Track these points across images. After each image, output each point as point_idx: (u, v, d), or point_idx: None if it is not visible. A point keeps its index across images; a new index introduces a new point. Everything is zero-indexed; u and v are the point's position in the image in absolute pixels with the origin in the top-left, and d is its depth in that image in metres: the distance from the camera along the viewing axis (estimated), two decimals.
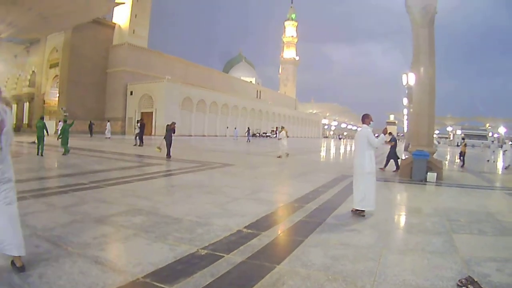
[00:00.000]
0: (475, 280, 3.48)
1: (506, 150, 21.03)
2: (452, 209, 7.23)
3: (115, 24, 50.24)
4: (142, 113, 44.85)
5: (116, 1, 47.46)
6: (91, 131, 35.23)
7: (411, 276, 3.63)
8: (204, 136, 48.30)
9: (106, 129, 33.78)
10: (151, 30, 54.98)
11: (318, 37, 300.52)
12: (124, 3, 47.65)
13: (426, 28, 12.49)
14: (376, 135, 6.61)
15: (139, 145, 21.99)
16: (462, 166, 18.34)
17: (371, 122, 6.49)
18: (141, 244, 4.16)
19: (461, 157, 19.46)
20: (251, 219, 5.50)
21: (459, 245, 4.80)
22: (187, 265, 3.57)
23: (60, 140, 15.17)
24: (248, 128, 42.96)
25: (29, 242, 3.97)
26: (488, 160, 24.17)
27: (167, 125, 15.73)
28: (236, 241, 4.39)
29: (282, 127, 20.58)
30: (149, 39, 54.05)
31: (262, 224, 5.34)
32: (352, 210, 6.33)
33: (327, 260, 3.94)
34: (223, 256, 3.85)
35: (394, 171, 14.08)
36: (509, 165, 19.37)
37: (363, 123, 6.55)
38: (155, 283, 3.14)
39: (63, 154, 14.59)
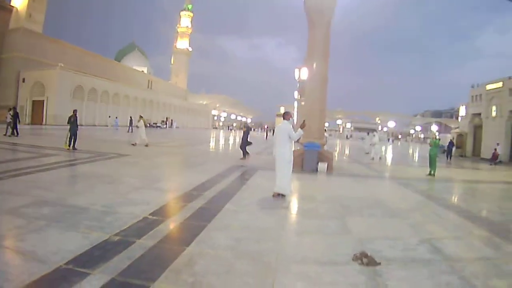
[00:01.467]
0: (368, 254, 3.86)
1: (375, 144, 19.87)
2: (343, 196, 7.65)
3: (13, 7, 43.47)
4: (33, 101, 39.76)
5: None
6: None
7: (310, 253, 3.97)
8: (94, 126, 44.21)
9: None
10: (48, 15, 49.14)
11: (213, 28, 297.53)
12: None
13: (322, 29, 12.60)
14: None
15: (10, 135, 18.63)
16: None
17: (290, 118, 7.18)
18: (55, 234, 4.10)
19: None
20: (155, 206, 5.61)
21: (352, 227, 5.14)
22: (103, 250, 3.63)
23: None
24: (131, 117, 38.78)
25: None
26: (367, 153, 23.77)
27: (70, 116, 14.37)
28: (145, 227, 4.51)
29: (141, 116, 19.68)
30: (46, 25, 48.10)
31: (166, 211, 5.59)
32: (273, 195, 6.98)
33: (231, 241, 4.20)
34: (135, 241, 3.96)
35: (241, 158, 14.23)
36: (380, 158, 19.91)
37: (284, 118, 7.20)
38: (77, 269, 3.17)
39: None
